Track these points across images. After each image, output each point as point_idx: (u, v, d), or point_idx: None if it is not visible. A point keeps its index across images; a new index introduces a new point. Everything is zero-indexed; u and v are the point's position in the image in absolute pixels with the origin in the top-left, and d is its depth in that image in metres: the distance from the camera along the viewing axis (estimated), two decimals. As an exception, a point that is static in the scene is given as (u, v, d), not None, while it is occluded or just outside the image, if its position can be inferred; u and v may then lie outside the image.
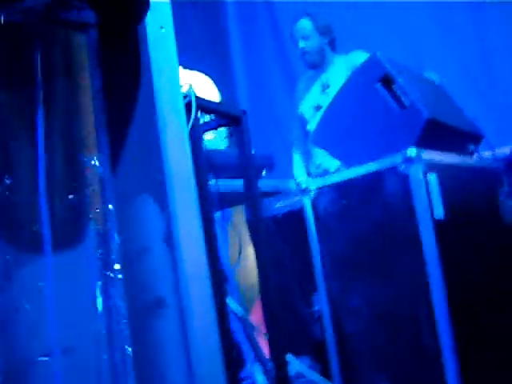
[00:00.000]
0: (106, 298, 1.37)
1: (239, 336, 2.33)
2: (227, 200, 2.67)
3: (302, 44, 3.81)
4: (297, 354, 2.86)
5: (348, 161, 2.60)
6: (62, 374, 1.27)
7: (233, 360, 1.76)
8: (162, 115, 1.49)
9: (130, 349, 1.37)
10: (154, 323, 1.44)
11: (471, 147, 2.76)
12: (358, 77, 2.62)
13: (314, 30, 3.80)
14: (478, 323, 2.33)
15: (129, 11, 1.43)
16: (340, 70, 3.65)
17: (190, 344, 1.48)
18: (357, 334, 2.51)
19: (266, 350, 2.34)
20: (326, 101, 3.45)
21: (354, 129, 2.59)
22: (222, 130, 3.46)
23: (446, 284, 2.20)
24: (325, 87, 3.80)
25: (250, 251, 2.70)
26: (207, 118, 2.14)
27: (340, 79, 3.17)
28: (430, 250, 2.21)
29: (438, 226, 2.23)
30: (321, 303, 2.64)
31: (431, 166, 2.30)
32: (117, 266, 1.42)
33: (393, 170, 2.34)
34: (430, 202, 2.24)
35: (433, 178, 2.28)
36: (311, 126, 3.74)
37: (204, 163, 1.76)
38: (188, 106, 1.63)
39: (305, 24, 3.83)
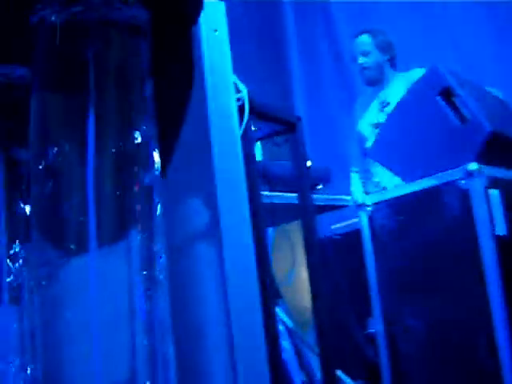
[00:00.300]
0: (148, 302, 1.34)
1: (287, 354, 2.27)
2: (282, 214, 2.63)
3: (361, 60, 3.77)
4: (350, 377, 2.79)
5: (406, 176, 2.54)
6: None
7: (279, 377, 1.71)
8: (214, 118, 1.47)
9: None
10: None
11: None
12: (418, 89, 2.56)
13: (374, 46, 3.76)
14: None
15: (182, 12, 1.41)
16: (399, 87, 3.57)
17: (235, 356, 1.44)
18: (412, 356, 2.42)
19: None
20: (384, 119, 3.40)
21: (413, 143, 2.52)
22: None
23: (507, 306, 2.10)
24: (384, 105, 3.74)
25: (303, 271, 2.66)
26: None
27: (399, 97, 3.12)
28: (491, 268, 2.12)
29: (500, 242, 2.14)
30: (376, 323, 2.56)
31: (493, 181, 2.22)
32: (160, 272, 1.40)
33: (453, 185, 2.27)
34: (491, 217, 2.16)
35: (495, 193, 2.20)
36: (369, 144, 3.68)
37: (256, 171, 1.72)
38: (241, 110, 1.60)
39: (364, 40, 3.78)
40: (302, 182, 2.08)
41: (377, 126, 3.67)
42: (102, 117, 1.45)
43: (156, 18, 1.44)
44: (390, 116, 2.74)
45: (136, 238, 1.40)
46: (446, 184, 2.29)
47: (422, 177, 2.39)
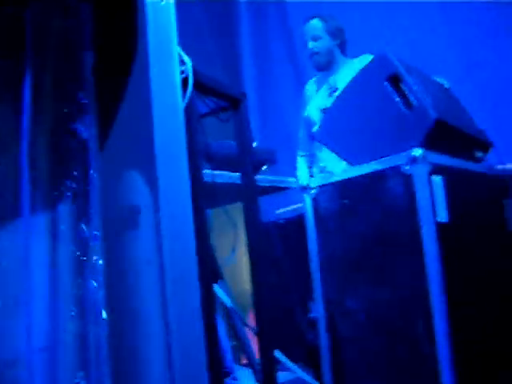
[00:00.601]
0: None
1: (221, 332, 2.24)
2: (225, 195, 2.60)
3: (311, 45, 3.75)
4: (291, 359, 2.80)
5: (352, 160, 2.53)
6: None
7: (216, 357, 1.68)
8: (156, 89, 1.43)
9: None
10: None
11: (479, 154, 2.69)
12: (366, 74, 2.56)
13: (325, 31, 3.75)
14: (477, 331, 2.26)
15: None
16: (349, 73, 3.56)
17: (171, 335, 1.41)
18: (352, 339, 2.43)
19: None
20: (333, 104, 3.39)
21: (359, 127, 2.52)
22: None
23: (446, 290, 2.12)
24: (332, 90, 3.74)
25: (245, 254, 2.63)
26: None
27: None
28: (431, 253, 2.13)
29: (441, 228, 2.16)
30: (316, 306, 2.56)
31: (436, 168, 2.24)
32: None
33: (396, 169, 2.27)
34: (433, 204, 2.17)
35: (438, 179, 2.21)
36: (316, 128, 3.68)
37: (199, 147, 1.68)
38: (184, 84, 1.56)
39: (315, 24, 3.77)
40: (245, 161, 2.05)
41: (325, 110, 3.67)
42: (38, 79, 1.39)
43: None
44: (338, 99, 2.73)
45: (68, 216, 1.36)
46: (391, 169, 2.29)
47: (367, 161, 2.38)
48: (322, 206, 2.53)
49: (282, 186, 2.98)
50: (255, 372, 2.26)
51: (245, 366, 2.51)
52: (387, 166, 2.31)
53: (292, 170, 3.87)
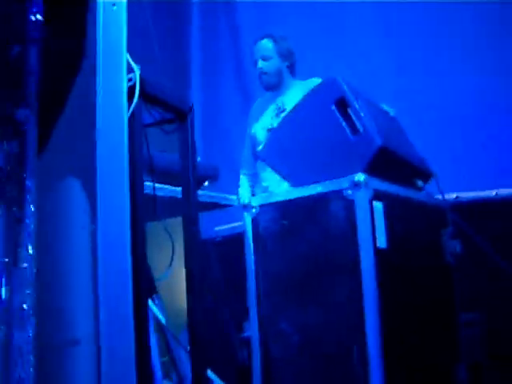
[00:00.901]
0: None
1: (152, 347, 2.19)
2: (164, 208, 2.55)
3: (260, 64, 3.76)
4: (222, 379, 2.76)
5: (295, 181, 2.52)
6: None
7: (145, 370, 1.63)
8: (101, 96, 1.39)
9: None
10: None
11: (420, 183, 2.72)
12: (314, 97, 2.56)
13: (275, 52, 3.76)
14: (411, 357, 2.27)
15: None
16: (297, 95, 3.58)
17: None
18: (284, 360, 2.40)
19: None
20: (279, 124, 3.40)
21: (304, 149, 2.52)
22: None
23: (380, 314, 2.13)
24: (279, 110, 3.75)
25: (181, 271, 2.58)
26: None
27: (295, 104, 3.13)
28: (369, 278, 2.13)
29: (379, 254, 2.16)
30: (251, 326, 2.53)
31: (378, 194, 2.25)
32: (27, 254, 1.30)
33: (339, 193, 2.27)
34: (373, 229, 2.18)
35: (379, 205, 2.22)
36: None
37: (141, 159, 1.64)
38: (131, 92, 1.52)
39: (266, 44, 3.78)
40: (188, 175, 2.02)
41: (271, 130, 3.67)
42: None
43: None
44: (284, 120, 2.73)
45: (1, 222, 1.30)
46: (333, 192, 2.29)
47: (309, 183, 2.38)
48: (262, 225, 2.50)
49: (223, 203, 2.96)
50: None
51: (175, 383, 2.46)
52: (330, 190, 2.31)
53: (233, 188, 3.85)
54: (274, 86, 3.79)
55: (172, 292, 3.13)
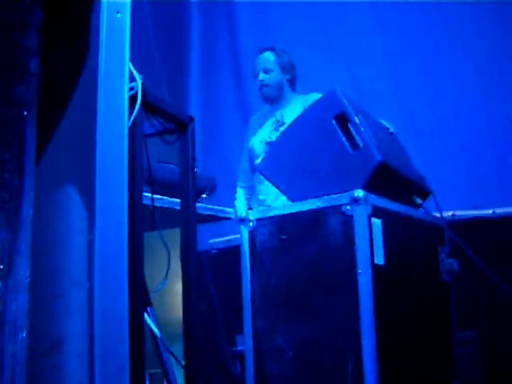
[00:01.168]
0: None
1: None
2: (162, 219, 2.54)
3: (261, 76, 3.76)
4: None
5: (293, 195, 2.51)
6: None
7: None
8: (103, 104, 1.37)
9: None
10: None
11: (418, 200, 2.71)
12: (315, 111, 2.55)
13: (277, 64, 3.76)
14: (405, 373, 2.25)
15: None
16: (296, 109, 3.58)
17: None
18: (279, 375, 2.38)
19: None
20: (277, 138, 3.40)
21: (303, 163, 2.50)
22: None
23: (376, 330, 2.11)
24: (279, 124, 3.74)
25: (176, 283, 2.56)
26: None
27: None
28: (366, 294, 2.12)
29: (377, 271, 2.15)
30: (245, 341, 2.50)
31: (377, 211, 2.24)
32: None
33: (337, 209, 2.26)
34: (371, 245, 2.16)
35: (377, 222, 2.21)
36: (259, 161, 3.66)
37: (141, 168, 1.62)
38: (132, 101, 1.50)
39: (268, 57, 3.78)
40: (188, 187, 2.00)
41: (270, 144, 3.66)
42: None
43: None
44: (284, 133, 2.72)
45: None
46: (332, 208, 2.28)
47: (308, 198, 2.37)
48: (259, 239, 2.49)
49: (221, 215, 2.94)
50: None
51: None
52: (328, 205, 2.29)
53: (230, 201, 3.83)
54: (275, 99, 3.79)
55: (163, 303, 3.10)
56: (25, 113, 1.32)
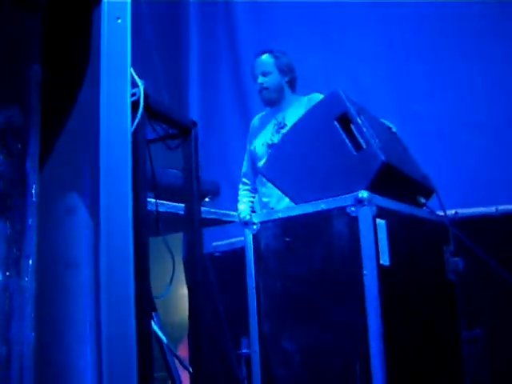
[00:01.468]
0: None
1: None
2: (167, 225, 2.53)
3: (260, 79, 3.75)
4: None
5: (296, 197, 2.50)
6: None
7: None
8: (105, 110, 1.37)
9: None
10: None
11: (422, 199, 2.70)
12: (316, 112, 2.54)
13: (275, 67, 3.75)
14: (414, 376, 2.24)
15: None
16: (297, 110, 3.57)
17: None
18: (286, 379, 2.37)
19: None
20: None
21: (306, 165, 2.49)
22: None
23: (383, 332, 2.10)
24: (280, 126, 3.73)
25: (181, 288, 2.55)
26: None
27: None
28: (372, 295, 2.11)
29: (383, 271, 2.14)
30: (252, 344, 2.49)
31: (382, 211, 2.23)
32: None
33: (342, 211, 2.25)
34: (376, 246, 2.15)
35: (382, 223, 2.20)
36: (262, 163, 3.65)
37: (145, 174, 1.61)
38: (134, 105, 1.49)
39: (266, 60, 3.77)
40: (192, 191, 1.99)
41: (271, 146, 3.65)
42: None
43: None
44: (286, 135, 2.71)
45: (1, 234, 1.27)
46: (336, 209, 2.27)
47: (312, 200, 2.36)
48: (263, 242, 2.48)
49: (224, 219, 2.93)
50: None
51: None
52: (333, 207, 2.28)
53: (233, 204, 3.82)
54: (275, 102, 3.78)
55: (166, 307, 3.09)
56: (28, 120, 1.32)
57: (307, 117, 2.60)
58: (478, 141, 4.09)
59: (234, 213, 3.24)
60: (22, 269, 1.30)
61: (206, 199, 2.79)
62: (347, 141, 2.39)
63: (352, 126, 2.39)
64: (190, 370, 1.95)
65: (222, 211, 2.93)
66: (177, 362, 2.32)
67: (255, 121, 3.96)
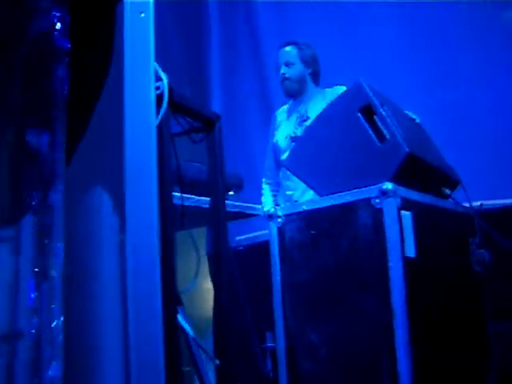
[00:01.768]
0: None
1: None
2: (192, 219, 2.54)
3: (283, 70, 3.74)
4: (246, 388, 2.73)
5: (321, 189, 2.49)
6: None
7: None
8: (130, 105, 1.37)
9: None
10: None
11: (447, 191, 2.68)
12: (340, 104, 2.53)
13: (298, 58, 3.74)
14: (440, 368, 2.22)
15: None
16: (320, 103, 3.56)
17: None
18: (312, 373, 2.36)
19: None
20: (302, 132, 3.38)
21: (330, 157, 2.48)
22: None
23: (410, 326, 2.08)
24: (303, 119, 3.72)
25: (206, 282, 2.55)
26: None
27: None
28: (398, 288, 2.09)
29: (408, 264, 2.12)
30: (277, 338, 2.49)
31: (406, 203, 2.21)
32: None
33: (367, 203, 2.24)
34: (402, 238, 2.14)
35: (407, 214, 2.18)
36: (285, 156, 3.65)
37: (170, 168, 1.62)
38: (158, 100, 1.50)
39: (290, 51, 3.77)
40: (217, 185, 1.99)
41: (294, 139, 3.65)
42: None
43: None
44: (309, 128, 2.70)
45: (29, 231, 1.28)
46: (360, 201, 2.25)
47: (336, 192, 2.35)
48: (288, 235, 2.47)
49: (249, 212, 2.93)
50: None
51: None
52: (357, 198, 2.27)
53: (256, 198, 3.82)
54: (296, 93, 3.77)
55: (192, 302, 3.10)
56: (54, 115, 1.32)
57: (330, 109, 2.59)
58: (505, 131, 4.04)
59: (258, 206, 3.23)
60: (50, 262, 1.31)
61: (231, 193, 2.79)
62: (371, 132, 2.37)
63: (375, 117, 2.37)
64: (217, 362, 1.95)
65: (246, 204, 2.92)
66: (203, 355, 2.33)
67: (278, 114, 3.96)
